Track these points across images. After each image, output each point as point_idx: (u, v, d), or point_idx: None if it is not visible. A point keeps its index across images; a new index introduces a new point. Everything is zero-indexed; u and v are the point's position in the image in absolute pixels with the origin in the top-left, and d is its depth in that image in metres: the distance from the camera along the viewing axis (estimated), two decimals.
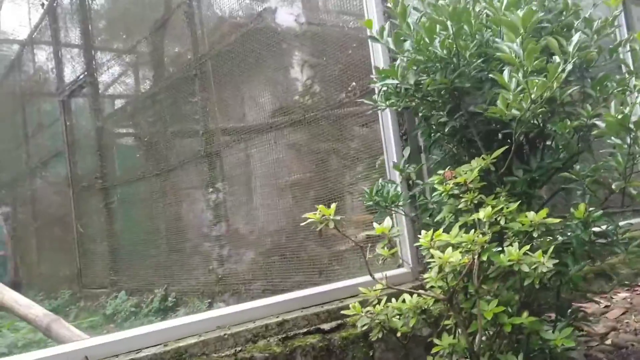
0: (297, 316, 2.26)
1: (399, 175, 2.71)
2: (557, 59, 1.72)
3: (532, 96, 1.83)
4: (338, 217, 1.70)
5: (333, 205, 1.71)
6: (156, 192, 6.43)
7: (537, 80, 1.77)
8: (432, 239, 1.82)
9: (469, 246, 1.87)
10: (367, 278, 1.96)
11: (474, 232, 1.92)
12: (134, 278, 6.69)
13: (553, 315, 2.26)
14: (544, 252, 1.78)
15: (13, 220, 10.94)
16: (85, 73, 7.40)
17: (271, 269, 4.70)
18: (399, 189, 2.49)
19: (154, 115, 6.44)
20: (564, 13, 2.12)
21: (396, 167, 2.56)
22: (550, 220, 1.85)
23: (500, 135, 2.20)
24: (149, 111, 6.53)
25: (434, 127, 2.37)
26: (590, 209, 2.03)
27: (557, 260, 1.74)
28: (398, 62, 2.20)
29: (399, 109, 2.39)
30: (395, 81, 2.18)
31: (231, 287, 5.01)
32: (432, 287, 1.81)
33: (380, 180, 2.55)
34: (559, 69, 1.79)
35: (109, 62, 7.10)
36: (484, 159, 2.09)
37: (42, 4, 8.18)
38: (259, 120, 4.94)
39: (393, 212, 2.46)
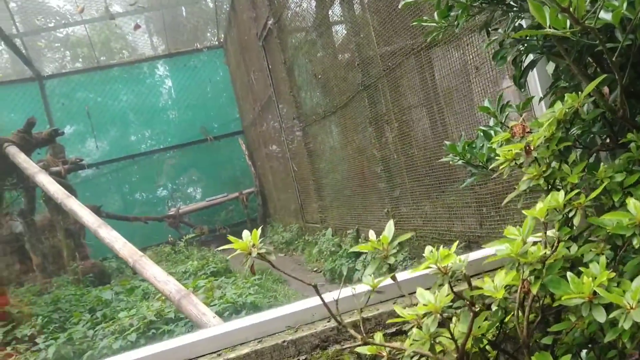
0: None
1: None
2: None
3: None
4: (264, 249, 1.12)
5: (255, 231, 1.13)
6: (336, 130, 6.17)
7: None
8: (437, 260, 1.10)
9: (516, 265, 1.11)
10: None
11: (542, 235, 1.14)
12: (334, 217, 6.68)
13: None
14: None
15: (255, 160, 12.07)
16: (270, 13, 7.36)
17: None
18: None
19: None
20: None
21: (482, 108, 1.74)
22: None
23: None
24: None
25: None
26: None
27: None
28: None
29: (458, 25, 1.56)
30: None
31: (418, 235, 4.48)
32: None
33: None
34: None
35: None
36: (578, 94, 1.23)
37: None
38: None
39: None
